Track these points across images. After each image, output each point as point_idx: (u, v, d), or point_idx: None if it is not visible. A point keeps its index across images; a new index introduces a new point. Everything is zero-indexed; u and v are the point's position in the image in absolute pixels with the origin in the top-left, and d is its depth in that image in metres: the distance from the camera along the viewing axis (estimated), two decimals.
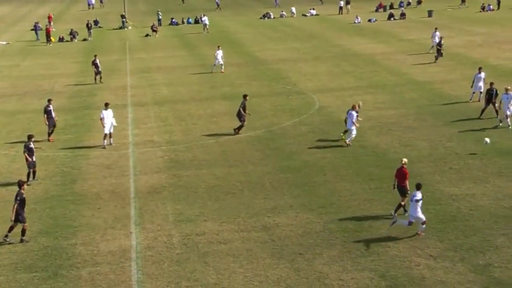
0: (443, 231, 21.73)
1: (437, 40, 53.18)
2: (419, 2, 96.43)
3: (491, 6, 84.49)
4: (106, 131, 32.78)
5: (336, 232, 22.14)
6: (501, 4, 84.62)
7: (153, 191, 26.59)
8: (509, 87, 33.06)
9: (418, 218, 21.46)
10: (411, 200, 21.58)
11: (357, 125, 31.33)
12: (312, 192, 25.90)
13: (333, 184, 26.58)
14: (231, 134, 34.01)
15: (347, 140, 31.43)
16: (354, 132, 31.35)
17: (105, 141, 32.81)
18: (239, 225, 23.08)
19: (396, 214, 22.97)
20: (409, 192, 22.97)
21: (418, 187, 21.61)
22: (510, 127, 32.74)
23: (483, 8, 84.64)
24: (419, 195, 21.41)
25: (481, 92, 37.29)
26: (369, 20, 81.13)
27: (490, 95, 34.44)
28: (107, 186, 27.41)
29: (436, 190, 25.18)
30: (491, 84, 34.90)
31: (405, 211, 22.95)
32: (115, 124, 33.16)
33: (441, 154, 29.46)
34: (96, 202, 25.70)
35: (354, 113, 31.20)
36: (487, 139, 29.41)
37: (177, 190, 26.61)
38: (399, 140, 31.74)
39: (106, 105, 33.29)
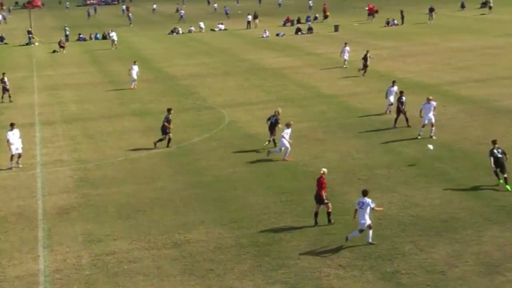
0: (352, 241, 22.06)
1: (347, 55, 54.30)
2: (325, 17, 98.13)
3: (395, 21, 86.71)
4: (13, 152, 31.91)
5: (248, 247, 22.20)
6: (404, 19, 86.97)
7: (62, 212, 26.05)
8: (430, 97, 33.99)
9: (363, 224, 21.67)
10: (361, 208, 21.81)
11: (290, 141, 31.44)
12: (223, 207, 25.91)
13: (244, 199, 26.67)
14: (147, 149, 33.80)
15: (286, 157, 31.40)
16: (286, 146, 31.37)
17: (12, 162, 31.94)
18: (149, 243, 22.86)
19: (317, 221, 23.57)
20: (326, 201, 23.48)
21: (365, 193, 21.99)
22: (433, 137, 33.47)
23: (387, 23, 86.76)
24: (368, 200, 21.78)
25: (391, 105, 38.06)
26: (277, 34, 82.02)
27: (401, 103, 35.37)
28: (15, 209, 26.71)
29: (345, 201, 25.58)
30: (401, 92, 35.93)
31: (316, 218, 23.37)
32: (21, 145, 32.25)
33: (350, 166, 29.97)
34: (3, 226, 24.99)
35: (288, 129, 31.35)
36: (430, 146, 29.70)
37: (87, 210, 26.18)
38: (309, 153, 32.13)
39: (12, 126, 32.39)
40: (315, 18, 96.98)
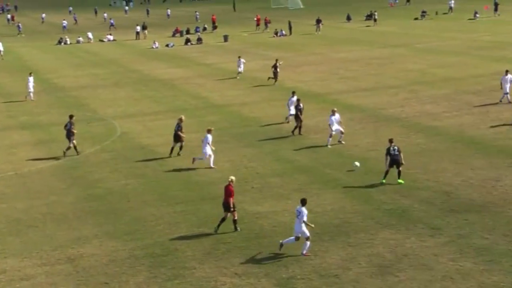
0: (248, 249, 22.23)
1: (242, 67, 54.71)
2: (214, 27, 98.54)
3: (283, 32, 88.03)
4: None
5: (142, 258, 21.97)
6: (292, 30, 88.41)
7: None
8: (335, 109, 34.70)
9: (303, 233, 21.68)
10: (297, 216, 21.78)
11: (213, 148, 31.59)
12: (116, 219, 25.56)
13: (138, 210, 26.40)
14: (40, 159, 32.93)
15: (211, 165, 31.45)
16: (209, 154, 31.42)
17: None
18: (42, 259, 22.27)
19: (218, 229, 23.70)
20: (232, 209, 23.65)
21: (304, 202, 21.95)
22: (343, 142, 34.30)
23: (276, 33, 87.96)
24: (305, 211, 21.72)
25: (291, 115, 38.41)
26: (167, 45, 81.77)
27: (299, 111, 35.90)
28: None
29: (239, 210, 25.61)
30: (298, 100, 36.44)
31: (219, 225, 23.53)
32: None
33: (243, 174, 30.14)
34: None
35: (209, 136, 31.45)
36: (357, 163, 29.58)
37: None
38: (202, 163, 32.10)
39: None
40: (204, 28, 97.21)
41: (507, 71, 41.06)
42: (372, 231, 23.29)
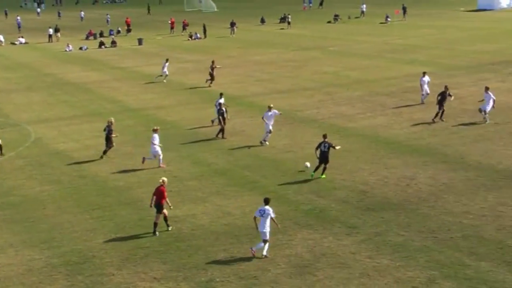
0: (166, 253, 22.14)
1: (166, 70, 54.23)
2: (128, 30, 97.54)
3: (198, 35, 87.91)
4: None
5: (59, 267, 21.59)
6: (207, 33, 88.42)
7: None
8: (271, 105, 35.30)
9: (264, 234, 21.57)
10: (262, 216, 21.69)
11: (160, 145, 31.87)
12: (32, 227, 25.03)
13: (54, 218, 25.91)
14: None
15: (161, 164, 31.60)
16: (160, 152, 31.63)
17: None
18: None
19: (157, 232, 23.73)
20: (164, 210, 23.80)
21: (267, 201, 21.95)
22: (267, 142, 34.67)
23: (191, 37, 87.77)
24: (269, 210, 21.72)
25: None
26: (81, 48, 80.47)
27: (221, 114, 35.99)
28: None
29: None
30: (220, 104, 36.44)
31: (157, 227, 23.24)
32: None
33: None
34: None
35: (156, 135, 31.68)
36: (307, 164, 29.70)
37: None
38: (118, 168, 31.81)
39: None
40: (118, 31, 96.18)
41: (424, 73, 42.13)
42: (290, 232, 23.54)
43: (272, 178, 29.41)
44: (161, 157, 31.76)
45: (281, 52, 70.26)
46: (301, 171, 29.87)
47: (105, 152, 33.64)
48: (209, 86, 51.55)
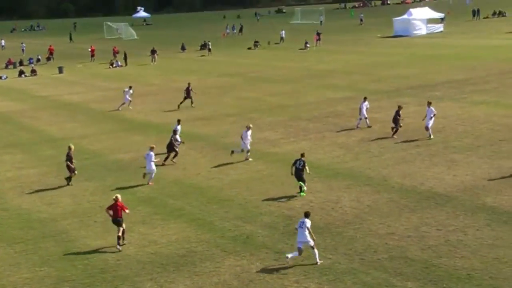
0: (92, 285, 21.79)
1: (128, 97, 53.49)
2: (48, 59, 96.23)
3: (119, 62, 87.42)
4: None
5: None
6: (128, 60, 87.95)
7: None
8: (250, 125, 36.31)
9: (307, 242, 22.50)
10: (300, 227, 22.69)
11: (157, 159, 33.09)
12: None
13: None
14: None
15: (150, 182, 32.35)
16: (154, 170, 32.72)
17: None
18: None
19: (119, 246, 24.49)
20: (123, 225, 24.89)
21: (307, 215, 23.06)
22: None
23: (112, 64, 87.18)
24: (309, 222, 22.76)
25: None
26: (0, 78, 78.90)
27: (176, 140, 36.17)
28: None
29: (82, 245, 25.18)
30: (175, 131, 36.31)
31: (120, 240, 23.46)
32: None
33: (85, 209, 29.56)
34: None
35: (152, 153, 32.36)
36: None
37: None
38: (42, 199, 31.22)
39: None
40: (38, 60, 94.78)
41: (365, 98, 42.70)
42: (218, 259, 23.49)
43: (197, 205, 29.35)
44: (153, 175, 32.54)
45: (202, 79, 70.37)
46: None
47: (69, 178, 33.41)
48: (192, 107, 52.30)
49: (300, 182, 29.83)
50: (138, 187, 32.41)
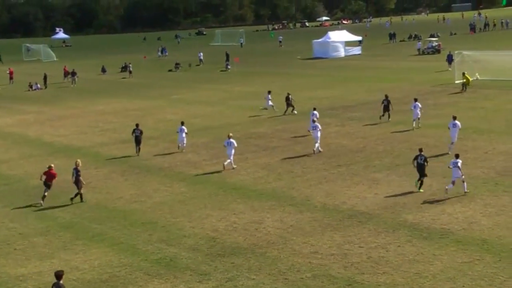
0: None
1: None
2: None
3: (38, 85, 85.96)
4: None
5: None
6: (48, 82, 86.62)
7: None
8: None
9: (460, 177, 30.20)
10: (454, 166, 30.31)
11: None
12: None
13: None
14: None
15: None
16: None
17: None
18: None
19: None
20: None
21: (458, 156, 30.84)
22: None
23: (31, 87, 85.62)
24: (460, 161, 30.40)
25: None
26: None
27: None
28: None
29: (2, 274, 24.53)
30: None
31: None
32: None
33: (4, 237, 28.84)
34: None
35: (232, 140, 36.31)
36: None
37: None
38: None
39: None
40: None
41: (314, 108, 43.67)
42: (141, 282, 23.24)
43: (120, 229, 29.00)
44: (232, 157, 38.01)
45: (124, 101, 69.90)
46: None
47: (77, 195, 33.30)
48: (294, 113, 53.07)
49: (422, 178, 31.63)
50: (59, 213, 31.84)
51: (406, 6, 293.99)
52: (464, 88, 60.43)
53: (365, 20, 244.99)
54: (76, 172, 33.42)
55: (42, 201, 32.89)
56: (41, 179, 33.39)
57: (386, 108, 48.89)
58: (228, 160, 37.96)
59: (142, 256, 25.68)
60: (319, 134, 40.87)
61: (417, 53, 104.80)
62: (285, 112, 54.81)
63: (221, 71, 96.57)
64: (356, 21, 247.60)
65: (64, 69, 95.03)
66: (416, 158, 32.06)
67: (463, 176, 30.27)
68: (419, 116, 45.80)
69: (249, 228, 28.10)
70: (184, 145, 43.22)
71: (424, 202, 29.92)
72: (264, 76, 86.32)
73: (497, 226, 26.48)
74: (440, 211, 28.64)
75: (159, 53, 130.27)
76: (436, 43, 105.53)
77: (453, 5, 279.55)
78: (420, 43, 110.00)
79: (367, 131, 45.99)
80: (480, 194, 30.54)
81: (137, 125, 43.72)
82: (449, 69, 76.07)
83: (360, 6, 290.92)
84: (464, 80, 60.76)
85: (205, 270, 23.98)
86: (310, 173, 36.26)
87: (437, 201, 30.04)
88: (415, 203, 29.88)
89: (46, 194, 33.08)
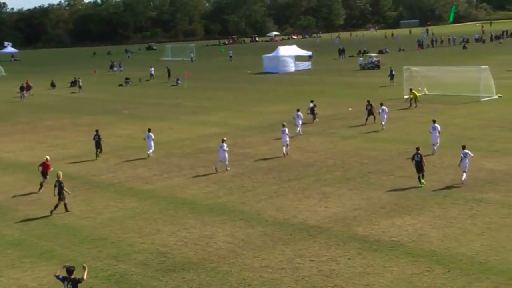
0: None
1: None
2: None
3: None
4: None
5: None
6: None
7: None
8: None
9: (466, 168, 33.82)
10: (464, 156, 33.75)
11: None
12: None
13: None
14: None
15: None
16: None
17: None
18: None
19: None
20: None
21: (464, 147, 34.19)
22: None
23: None
24: (468, 151, 33.98)
25: None
26: None
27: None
28: None
29: None
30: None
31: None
32: None
33: None
34: None
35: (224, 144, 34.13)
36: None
37: None
38: None
39: None
40: None
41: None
42: None
43: (70, 246, 28.61)
44: (227, 162, 40.24)
45: (73, 116, 69.20)
46: None
47: (56, 207, 33.17)
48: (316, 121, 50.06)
49: (420, 173, 34.37)
50: (7, 230, 31.28)
51: (355, 22, 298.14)
52: (415, 104, 61.37)
53: (315, 35, 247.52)
54: (59, 184, 33.32)
55: (39, 190, 37.02)
56: (39, 170, 38.00)
57: (370, 112, 52.67)
58: (226, 163, 40.58)
59: (91, 273, 25.26)
60: (287, 138, 43.50)
61: (359, 68, 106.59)
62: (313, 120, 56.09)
63: (172, 86, 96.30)
64: (306, 36, 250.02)
65: (27, 83, 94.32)
66: (413, 156, 34.80)
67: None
68: (385, 120, 50.78)
69: (200, 243, 28.00)
70: (152, 150, 45.55)
71: (374, 215, 30.20)
72: (215, 91, 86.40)
73: (446, 237, 26.87)
74: (390, 223, 28.95)
75: (114, 68, 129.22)
76: (376, 59, 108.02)
77: (401, 21, 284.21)
78: (361, 58, 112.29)
79: (318, 145, 46.33)
80: (429, 207, 30.98)
81: (96, 130, 46.96)
82: (392, 84, 77.84)
83: (310, 22, 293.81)
84: (411, 96, 61.69)
85: (155, 285, 23.81)
86: (260, 188, 36.33)
87: (387, 213, 30.36)
88: (365, 216, 30.15)
89: (43, 183, 37.38)
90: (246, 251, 26.70)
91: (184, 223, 30.71)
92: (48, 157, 39.31)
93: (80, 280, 20.31)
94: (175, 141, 51.37)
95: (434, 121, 42.39)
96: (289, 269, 24.58)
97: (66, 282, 20.38)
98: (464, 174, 34.21)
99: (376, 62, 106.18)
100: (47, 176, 37.72)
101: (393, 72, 79.75)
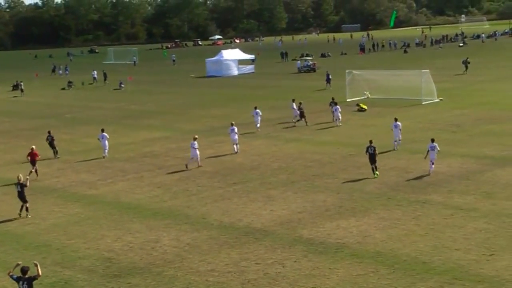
0: None
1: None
2: None
3: None
4: None
5: None
6: None
7: None
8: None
9: (433, 159, 36.03)
10: (432, 149, 35.71)
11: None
12: None
13: None
14: None
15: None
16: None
17: None
18: None
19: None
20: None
21: (433, 140, 36.30)
22: None
23: None
24: (436, 144, 36.02)
25: None
26: None
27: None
28: None
29: None
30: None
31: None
32: None
33: None
34: None
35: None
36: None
37: None
38: None
39: None
40: None
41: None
42: None
43: (13, 252, 28.18)
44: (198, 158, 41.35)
45: (15, 121, 68.13)
46: None
47: (22, 209, 33.13)
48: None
49: (374, 165, 36.48)
50: None
51: (297, 26, 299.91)
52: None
53: (257, 39, 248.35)
54: (21, 186, 32.94)
55: (28, 176, 36.45)
56: (28, 159, 41.48)
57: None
58: (198, 160, 41.86)
59: (36, 280, 25.00)
60: (236, 136, 45.22)
61: (297, 71, 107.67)
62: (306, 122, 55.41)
63: (115, 89, 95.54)
64: (249, 40, 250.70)
65: None
66: (367, 148, 36.85)
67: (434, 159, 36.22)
68: (340, 117, 54.09)
69: (146, 247, 27.89)
70: (107, 150, 46.79)
71: (319, 218, 30.50)
72: (157, 95, 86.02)
73: (390, 239, 27.30)
74: (335, 225, 29.28)
75: (60, 71, 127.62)
76: (311, 62, 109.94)
77: (342, 25, 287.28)
78: (299, 62, 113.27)
79: (262, 149, 46.56)
80: (373, 209, 31.43)
81: (49, 132, 48.79)
82: (329, 88, 79.61)
83: (252, 25, 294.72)
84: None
85: None
86: (205, 191, 36.35)
87: (332, 216, 30.70)
88: (311, 219, 30.42)
89: (32, 170, 40.82)
90: (192, 255, 26.70)
91: (129, 228, 30.54)
92: (34, 147, 42.13)
93: (36, 277, 20.18)
94: (119, 145, 50.95)
95: (396, 119, 44.22)
96: (235, 273, 24.67)
97: (21, 282, 20.16)
98: (433, 166, 36.55)
99: (311, 66, 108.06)
100: (36, 165, 41.36)
101: (330, 76, 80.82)
